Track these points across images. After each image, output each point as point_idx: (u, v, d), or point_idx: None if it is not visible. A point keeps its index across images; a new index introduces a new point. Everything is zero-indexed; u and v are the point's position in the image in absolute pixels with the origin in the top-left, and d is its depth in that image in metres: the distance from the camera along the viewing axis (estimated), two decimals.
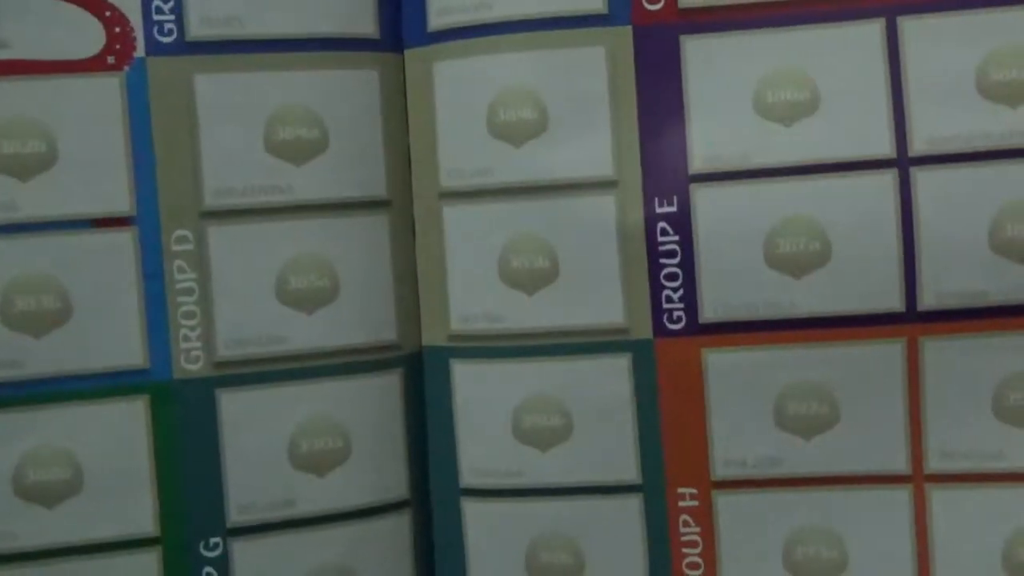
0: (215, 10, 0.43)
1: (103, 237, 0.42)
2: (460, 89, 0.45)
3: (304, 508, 0.44)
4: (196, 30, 0.43)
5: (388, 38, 0.45)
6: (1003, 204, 0.43)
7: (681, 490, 0.45)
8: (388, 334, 0.45)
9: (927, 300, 0.44)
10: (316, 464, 0.44)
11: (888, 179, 0.43)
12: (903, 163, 0.43)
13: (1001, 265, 0.43)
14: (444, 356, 0.46)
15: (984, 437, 0.44)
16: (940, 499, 0.44)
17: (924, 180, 0.43)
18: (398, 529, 0.45)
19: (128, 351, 0.42)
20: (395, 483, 0.45)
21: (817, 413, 0.44)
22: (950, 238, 0.43)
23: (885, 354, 0.44)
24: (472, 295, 0.45)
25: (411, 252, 0.45)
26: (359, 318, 0.44)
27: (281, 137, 0.43)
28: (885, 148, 0.43)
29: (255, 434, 0.43)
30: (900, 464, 0.44)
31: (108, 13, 0.42)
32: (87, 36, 0.42)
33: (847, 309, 0.44)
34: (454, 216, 0.45)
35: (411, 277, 0.45)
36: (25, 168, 0.42)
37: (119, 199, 0.42)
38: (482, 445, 0.46)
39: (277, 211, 0.43)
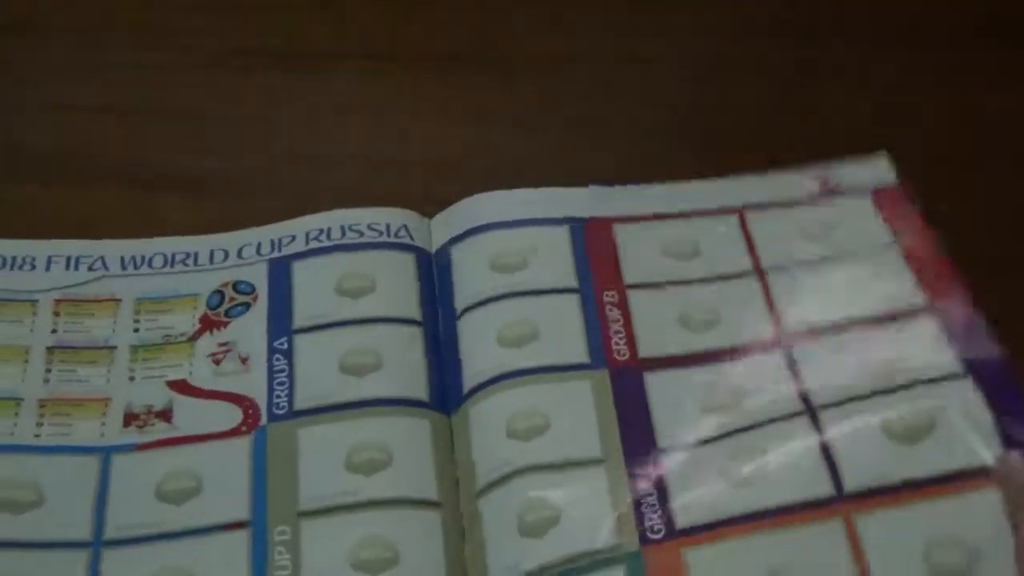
0: (312, 390, 0.64)
1: (230, 536, 0.59)
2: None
3: None
4: (299, 404, 0.63)
5: (436, 401, 0.64)
6: None
7: None
8: None
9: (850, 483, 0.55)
10: None
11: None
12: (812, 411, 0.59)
13: None
14: None
15: None
16: None
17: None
18: None
19: None
20: None
21: None
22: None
23: (826, 531, 0.54)
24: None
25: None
26: None
27: (356, 460, 0.61)
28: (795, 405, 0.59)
29: None
30: None
31: (246, 403, 0.63)
32: (230, 416, 0.63)
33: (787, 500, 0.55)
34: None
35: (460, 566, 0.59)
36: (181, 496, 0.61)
37: (240, 508, 0.60)
38: None
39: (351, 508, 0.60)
